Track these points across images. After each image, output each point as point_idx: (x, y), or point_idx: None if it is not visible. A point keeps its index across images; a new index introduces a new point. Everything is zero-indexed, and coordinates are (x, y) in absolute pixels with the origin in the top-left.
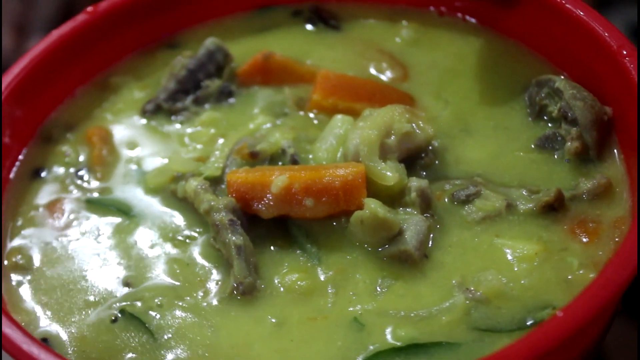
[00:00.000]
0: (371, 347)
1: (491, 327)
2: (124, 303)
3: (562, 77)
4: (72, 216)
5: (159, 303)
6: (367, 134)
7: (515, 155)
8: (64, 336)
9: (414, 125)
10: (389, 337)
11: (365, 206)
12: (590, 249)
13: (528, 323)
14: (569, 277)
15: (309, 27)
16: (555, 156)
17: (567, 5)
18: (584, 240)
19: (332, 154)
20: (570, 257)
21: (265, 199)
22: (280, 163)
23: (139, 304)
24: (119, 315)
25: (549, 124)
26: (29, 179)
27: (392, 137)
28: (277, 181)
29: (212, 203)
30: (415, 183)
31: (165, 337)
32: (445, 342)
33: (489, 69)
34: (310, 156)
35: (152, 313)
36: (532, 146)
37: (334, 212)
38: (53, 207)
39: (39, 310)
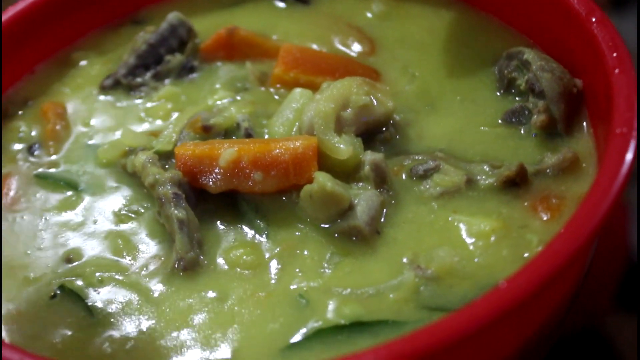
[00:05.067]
0: (314, 325)
1: (441, 305)
2: (64, 279)
3: (533, 49)
4: (20, 192)
5: (99, 278)
6: (323, 107)
7: (481, 130)
8: None
9: (372, 97)
10: (333, 314)
11: (314, 180)
12: (552, 225)
13: None
14: (526, 255)
15: (278, 2)
16: (522, 131)
17: None
18: (545, 217)
19: (288, 128)
20: (529, 234)
21: (213, 172)
22: (234, 137)
23: (79, 279)
24: (58, 291)
25: (517, 98)
26: None
27: (349, 110)
28: (225, 154)
29: (157, 176)
30: (369, 157)
31: (104, 313)
32: (391, 320)
33: (460, 42)
34: (266, 130)
35: (92, 289)
36: (499, 121)
37: (284, 187)
38: (2, 183)
39: None
